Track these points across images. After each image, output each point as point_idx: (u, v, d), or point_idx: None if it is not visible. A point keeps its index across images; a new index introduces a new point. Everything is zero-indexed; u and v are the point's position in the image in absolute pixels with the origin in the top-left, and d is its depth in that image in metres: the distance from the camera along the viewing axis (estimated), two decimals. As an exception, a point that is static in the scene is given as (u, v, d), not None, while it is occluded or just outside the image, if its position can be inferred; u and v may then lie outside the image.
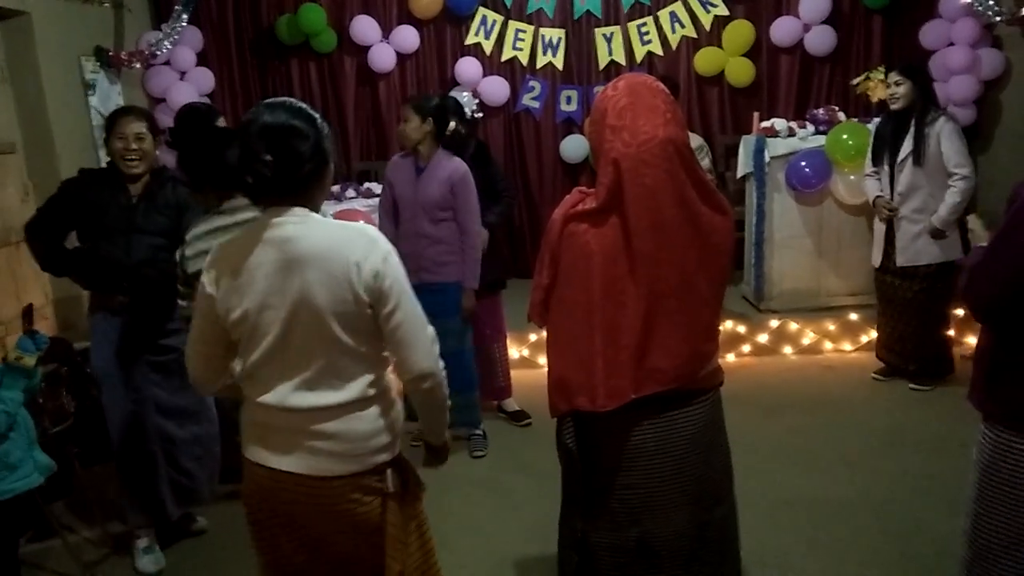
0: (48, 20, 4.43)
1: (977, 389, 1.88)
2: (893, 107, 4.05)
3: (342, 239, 1.67)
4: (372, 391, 1.75)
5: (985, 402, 1.85)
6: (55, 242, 2.94)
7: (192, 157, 2.47)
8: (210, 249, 1.92)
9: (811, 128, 4.97)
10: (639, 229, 1.83)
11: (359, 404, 1.74)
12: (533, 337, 4.79)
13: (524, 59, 6.18)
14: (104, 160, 3.48)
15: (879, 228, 4.23)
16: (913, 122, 3.98)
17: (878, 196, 4.17)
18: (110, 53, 5.01)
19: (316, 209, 1.73)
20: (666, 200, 1.84)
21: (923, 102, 3.98)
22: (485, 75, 6.12)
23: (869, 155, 4.28)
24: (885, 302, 4.29)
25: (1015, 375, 1.77)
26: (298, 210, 1.68)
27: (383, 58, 6.04)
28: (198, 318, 1.78)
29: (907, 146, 4.00)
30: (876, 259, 4.26)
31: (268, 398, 1.72)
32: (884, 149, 4.14)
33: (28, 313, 2.53)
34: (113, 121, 2.93)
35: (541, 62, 6.18)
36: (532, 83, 6.22)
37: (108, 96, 5.05)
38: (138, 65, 5.20)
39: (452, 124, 3.59)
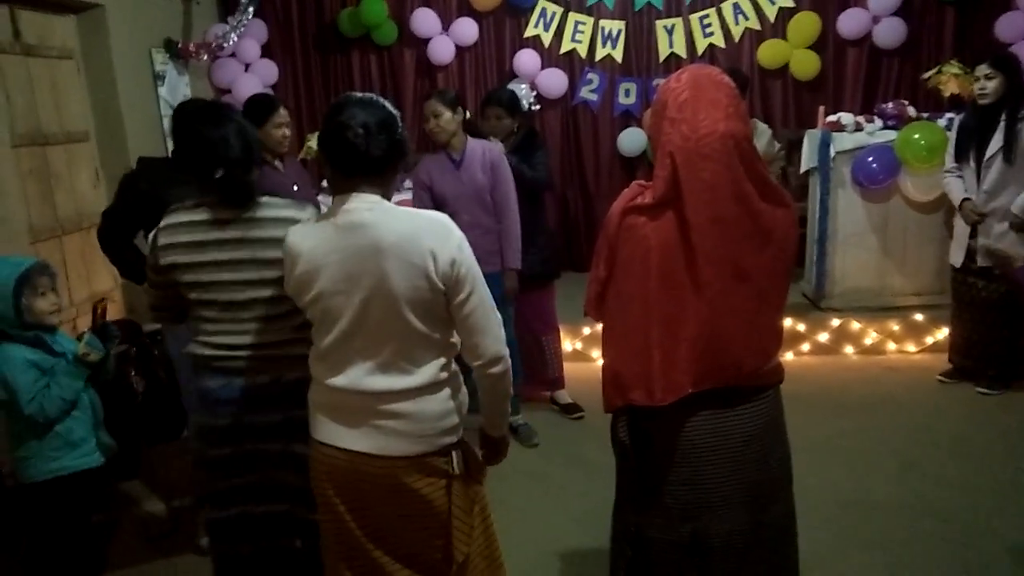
0: (121, 13, 4.58)
1: None
2: (982, 102, 3.84)
3: (417, 227, 1.71)
4: (443, 375, 1.79)
5: None
6: (128, 247, 2.96)
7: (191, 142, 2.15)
8: (181, 243, 1.99)
9: (879, 123, 4.83)
10: (697, 224, 1.80)
11: (431, 388, 1.77)
12: (587, 330, 4.77)
13: (583, 51, 6.14)
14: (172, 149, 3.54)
15: (962, 227, 4.02)
16: (1004, 117, 3.79)
17: (965, 199, 3.95)
18: (179, 45, 5.16)
19: (388, 199, 1.77)
20: (724, 194, 1.80)
21: (1014, 97, 3.79)
22: (543, 67, 6.11)
23: (952, 151, 4.07)
24: (963, 304, 4.10)
25: None
26: (371, 197, 1.72)
27: (442, 50, 6.07)
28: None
29: (996, 142, 3.81)
30: (958, 259, 4.06)
31: (340, 380, 1.76)
32: (970, 145, 3.94)
33: (96, 312, 2.58)
34: None
35: (600, 54, 6.13)
36: (590, 75, 6.18)
37: (176, 87, 5.20)
38: (205, 57, 5.33)
39: (468, 113, 3.61)
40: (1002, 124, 3.80)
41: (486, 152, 3.50)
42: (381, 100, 1.78)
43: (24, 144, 3.87)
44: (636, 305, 1.89)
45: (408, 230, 1.69)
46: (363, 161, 1.70)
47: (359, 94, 1.79)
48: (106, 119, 4.57)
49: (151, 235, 2.13)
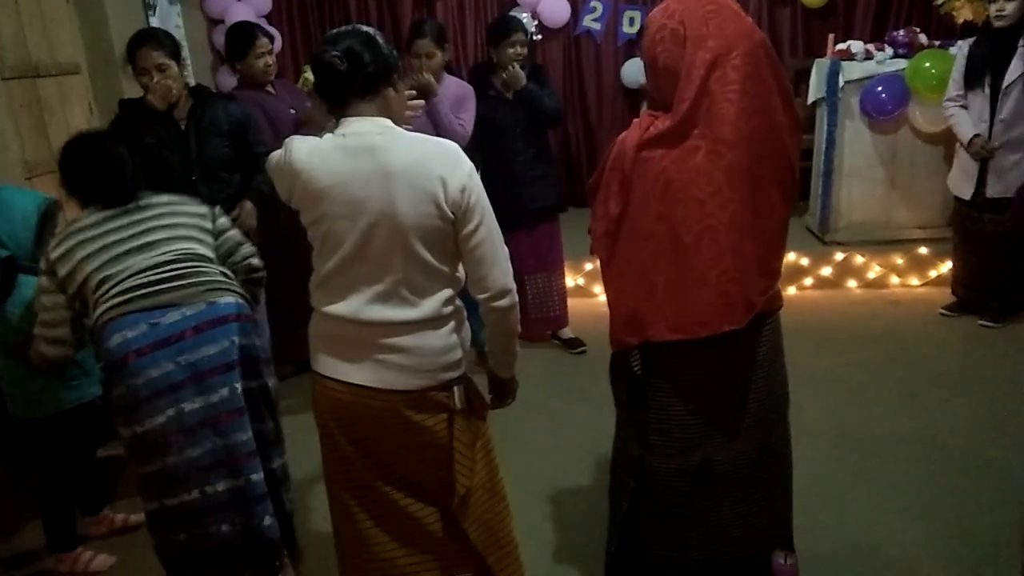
0: (109, -61, 4.41)
1: None
2: (999, 24, 3.70)
3: (427, 152, 1.67)
4: (447, 309, 1.76)
5: None
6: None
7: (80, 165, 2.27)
8: (74, 248, 2.09)
9: (889, 51, 4.70)
10: (733, 141, 1.74)
11: (433, 322, 1.74)
12: (589, 266, 4.75)
13: (586, -22, 5.96)
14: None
15: (971, 161, 3.91)
16: (1022, 43, 3.66)
17: (976, 135, 3.84)
18: (169, -27, 5.00)
19: (396, 123, 1.72)
20: (757, 107, 1.74)
21: None
22: (545, -5, 5.92)
23: (959, 79, 3.93)
24: (968, 236, 4.04)
25: None
26: (380, 120, 1.69)
27: (442, -23, 5.88)
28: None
29: (1016, 68, 3.67)
30: (966, 191, 3.97)
31: (340, 308, 1.73)
32: (984, 71, 3.81)
33: None
34: (131, 55, 2.84)
35: (604, -19, 5.95)
36: (593, 3, 6.00)
37: (168, 16, 5.05)
38: (196, -15, 5.18)
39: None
40: (1021, 50, 3.68)
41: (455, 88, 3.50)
42: (363, 26, 1.76)
43: (15, 76, 3.77)
44: (653, 242, 1.83)
45: (419, 155, 1.65)
46: (351, 78, 1.66)
47: (344, 27, 1.76)
48: (97, 51, 4.45)
49: (41, 259, 2.16)
